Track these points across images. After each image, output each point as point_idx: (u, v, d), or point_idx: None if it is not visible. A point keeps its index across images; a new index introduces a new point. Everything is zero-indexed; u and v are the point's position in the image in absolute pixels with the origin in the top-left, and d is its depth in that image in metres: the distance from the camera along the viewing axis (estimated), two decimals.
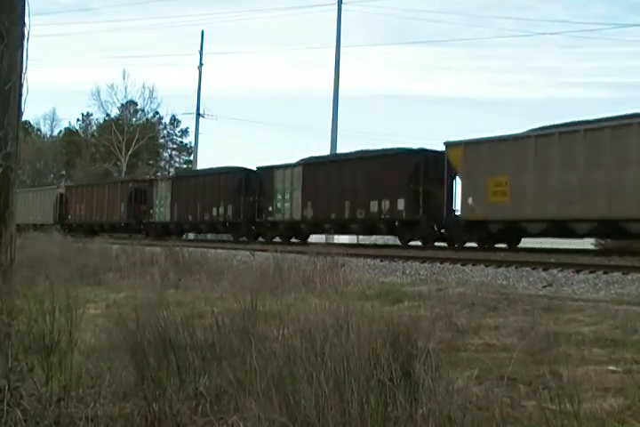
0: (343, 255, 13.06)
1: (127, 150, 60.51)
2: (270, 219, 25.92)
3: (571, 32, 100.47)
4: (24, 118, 4.26)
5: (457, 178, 19.70)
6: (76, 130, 70.20)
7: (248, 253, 17.50)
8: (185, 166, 66.58)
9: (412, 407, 3.08)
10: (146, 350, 4.03)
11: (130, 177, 43.35)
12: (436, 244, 20.93)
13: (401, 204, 20.65)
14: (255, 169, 27.91)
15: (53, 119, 71.40)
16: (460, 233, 19.16)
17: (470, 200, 18.66)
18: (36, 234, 20.77)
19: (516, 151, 17.71)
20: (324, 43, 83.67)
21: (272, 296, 5.75)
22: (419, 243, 21.29)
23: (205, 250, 17.44)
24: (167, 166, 69.88)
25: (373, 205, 21.47)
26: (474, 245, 19.24)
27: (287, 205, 24.96)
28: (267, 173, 26.49)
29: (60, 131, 71.99)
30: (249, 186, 27.28)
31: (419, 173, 20.47)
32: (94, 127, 69.58)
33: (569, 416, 3.05)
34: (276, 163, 26.55)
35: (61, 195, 40.19)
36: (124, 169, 60.05)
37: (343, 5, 36.29)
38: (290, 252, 14.10)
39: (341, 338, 3.50)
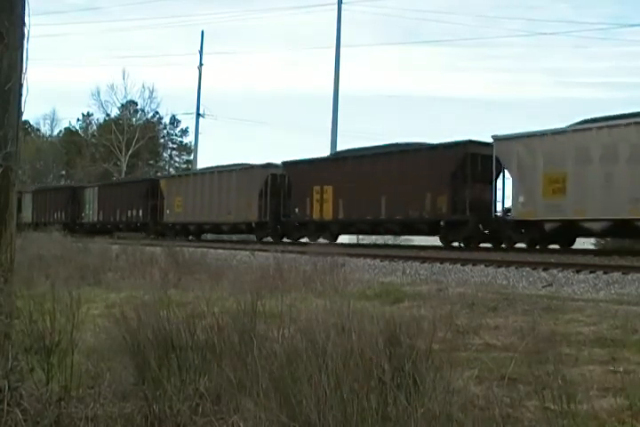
0: (343, 255, 13.08)
1: (127, 150, 60.46)
2: (83, 221, 40.40)
3: (578, 32, 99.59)
4: (24, 118, 4.25)
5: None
6: (76, 130, 70.07)
7: (248, 253, 17.54)
8: (185, 166, 66.55)
9: (412, 407, 3.08)
10: (146, 350, 4.03)
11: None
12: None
13: (140, 212, 35.17)
14: (79, 186, 44.02)
15: (53, 119, 71.30)
16: (169, 230, 32.75)
17: (168, 211, 33.18)
18: (37, 234, 20.78)
19: (187, 183, 32.49)
20: (325, 43, 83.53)
21: (272, 296, 5.74)
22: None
23: (205, 250, 17.47)
24: (167, 166, 69.83)
25: (129, 213, 36.03)
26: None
27: (91, 211, 39.71)
28: (80, 190, 41.80)
29: (60, 131, 71.92)
30: (74, 199, 41.16)
31: (148, 193, 34.56)
32: (94, 127, 69.45)
33: (569, 416, 3.05)
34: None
35: None
36: (124, 169, 60.06)
37: (348, 5, 36.40)
38: (290, 252, 14.13)
39: (342, 338, 3.50)
